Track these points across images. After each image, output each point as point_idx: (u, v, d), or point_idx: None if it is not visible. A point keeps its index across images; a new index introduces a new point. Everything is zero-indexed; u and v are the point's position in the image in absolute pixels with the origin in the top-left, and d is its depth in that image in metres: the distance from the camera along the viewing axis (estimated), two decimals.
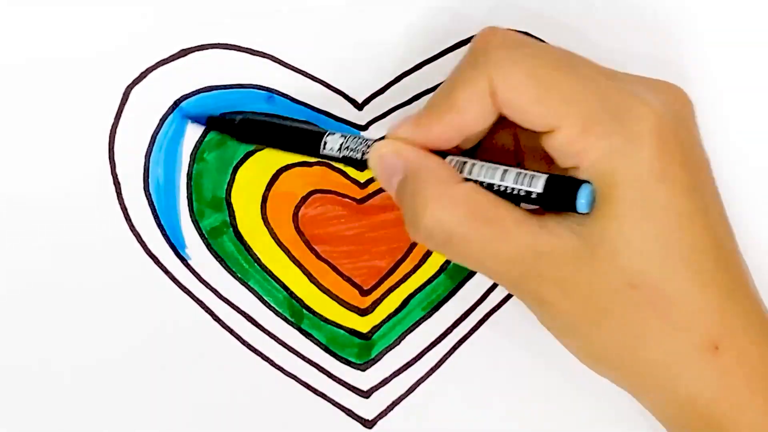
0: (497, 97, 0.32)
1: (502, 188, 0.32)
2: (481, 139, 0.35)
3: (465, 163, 0.33)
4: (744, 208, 0.39)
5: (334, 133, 0.36)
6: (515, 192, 0.32)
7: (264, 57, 0.40)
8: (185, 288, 0.40)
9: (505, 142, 0.36)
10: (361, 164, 0.35)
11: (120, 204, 0.40)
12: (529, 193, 0.31)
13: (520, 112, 0.32)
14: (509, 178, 0.32)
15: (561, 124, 0.31)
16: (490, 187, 0.32)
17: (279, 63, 0.40)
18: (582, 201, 0.30)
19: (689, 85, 0.34)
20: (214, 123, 0.39)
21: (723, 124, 0.39)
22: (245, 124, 0.38)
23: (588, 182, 0.31)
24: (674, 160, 0.31)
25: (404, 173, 0.33)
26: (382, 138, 0.34)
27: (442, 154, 0.33)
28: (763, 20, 0.40)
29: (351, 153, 0.35)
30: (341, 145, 0.35)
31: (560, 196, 0.31)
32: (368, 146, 0.35)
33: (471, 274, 0.40)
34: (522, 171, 0.32)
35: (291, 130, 0.37)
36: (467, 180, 0.32)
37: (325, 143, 0.36)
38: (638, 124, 0.30)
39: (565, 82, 0.31)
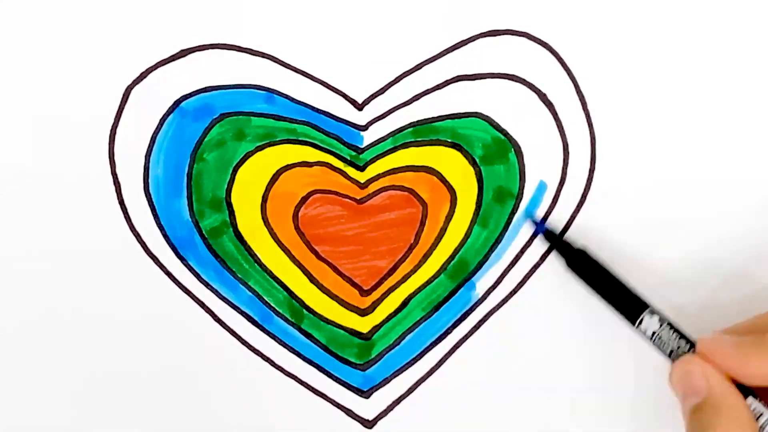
0: None
1: None
2: None
3: (762, 414, 0.32)
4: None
5: (654, 314, 0.35)
6: None
7: (264, 57, 0.40)
8: (185, 288, 0.39)
9: None
10: (667, 355, 0.35)
11: (120, 204, 0.40)
12: None
13: None
14: None
15: None
16: None
17: (279, 63, 0.40)
18: None
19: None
20: (551, 237, 0.39)
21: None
22: (582, 256, 0.38)
23: None
24: None
25: (703, 399, 0.32)
26: (692, 349, 0.34)
27: (744, 390, 0.33)
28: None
29: (660, 344, 0.35)
30: (654, 332, 0.35)
31: None
32: (679, 348, 0.34)
33: (471, 273, 0.40)
34: None
35: (619, 287, 0.37)
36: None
37: (642, 320, 0.35)
38: None
39: None
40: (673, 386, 0.34)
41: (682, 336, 0.35)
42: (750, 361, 0.32)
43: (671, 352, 0.35)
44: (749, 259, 0.39)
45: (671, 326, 0.35)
